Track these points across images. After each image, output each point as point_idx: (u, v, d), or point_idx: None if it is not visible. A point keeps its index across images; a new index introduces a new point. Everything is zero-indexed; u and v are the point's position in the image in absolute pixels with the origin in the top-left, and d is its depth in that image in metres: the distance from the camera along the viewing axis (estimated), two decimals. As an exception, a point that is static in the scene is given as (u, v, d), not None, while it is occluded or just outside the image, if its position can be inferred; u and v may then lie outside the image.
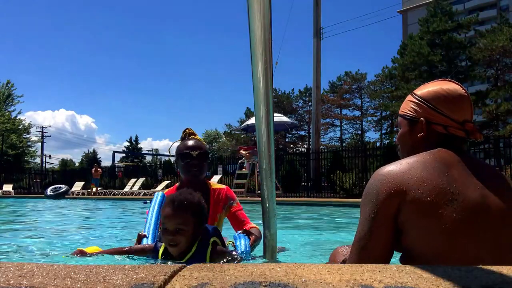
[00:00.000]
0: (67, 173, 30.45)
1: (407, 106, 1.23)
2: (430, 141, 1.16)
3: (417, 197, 1.00)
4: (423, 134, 1.17)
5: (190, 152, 2.46)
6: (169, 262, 1.78)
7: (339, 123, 42.45)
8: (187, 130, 2.64)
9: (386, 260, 1.05)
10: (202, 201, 1.88)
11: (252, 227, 2.48)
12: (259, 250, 2.20)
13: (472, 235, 0.98)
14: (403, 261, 1.06)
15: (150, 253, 1.93)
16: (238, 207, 2.64)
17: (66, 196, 17.90)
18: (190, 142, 2.52)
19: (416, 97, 1.21)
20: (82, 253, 2.02)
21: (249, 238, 2.25)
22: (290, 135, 41.93)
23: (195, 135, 2.63)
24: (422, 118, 1.16)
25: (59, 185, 19.03)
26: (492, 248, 0.99)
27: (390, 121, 36.21)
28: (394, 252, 1.09)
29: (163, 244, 1.84)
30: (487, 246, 0.99)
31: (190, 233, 1.77)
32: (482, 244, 0.99)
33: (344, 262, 1.27)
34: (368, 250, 1.04)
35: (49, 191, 17.94)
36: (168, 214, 1.77)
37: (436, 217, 0.98)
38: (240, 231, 2.36)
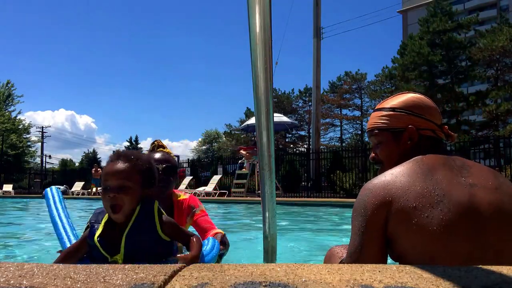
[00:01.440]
0: (67, 173, 30.47)
1: (383, 120, 1.24)
2: (420, 148, 1.18)
3: (403, 205, 1.02)
4: (413, 141, 1.19)
5: (157, 166, 2.30)
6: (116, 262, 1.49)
7: (339, 123, 42.47)
8: (155, 142, 2.48)
9: None
10: (153, 163, 1.65)
11: (216, 233, 2.31)
12: (259, 250, 2.20)
13: (462, 235, 0.98)
14: None
15: (85, 247, 1.55)
16: (201, 214, 2.42)
17: (65, 196, 17.86)
18: (157, 155, 2.33)
19: (393, 109, 1.23)
20: None
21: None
22: (290, 135, 41.94)
23: (164, 147, 2.47)
24: (410, 126, 1.19)
25: (57, 186, 18.97)
26: (484, 247, 0.99)
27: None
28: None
29: (101, 224, 1.52)
30: (479, 245, 0.99)
31: (136, 193, 1.50)
32: (474, 243, 0.98)
33: (341, 263, 1.27)
34: (360, 264, 1.05)
35: None
36: (110, 169, 1.50)
37: (423, 222, 0.99)
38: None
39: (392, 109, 1.23)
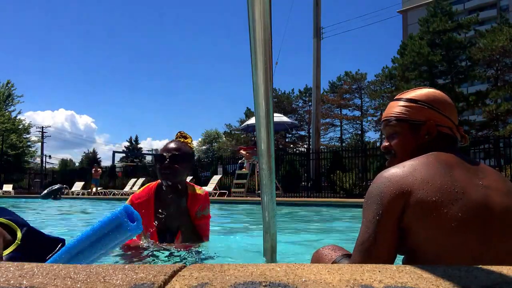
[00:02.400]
0: (67, 173, 30.47)
1: (400, 110, 1.22)
2: (437, 144, 1.17)
3: (422, 198, 1.01)
4: (430, 136, 1.17)
5: (163, 154, 2.36)
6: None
7: (339, 123, 42.48)
8: (178, 133, 2.55)
9: (390, 262, 1.05)
10: None
11: (188, 246, 2.36)
12: (259, 250, 2.20)
13: (475, 236, 0.99)
14: (407, 262, 1.07)
15: None
16: (203, 219, 2.48)
17: (62, 196, 17.73)
18: (171, 144, 2.41)
19: (414, 100, 1.21)
20: None
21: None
22: (290, 135, 41.94)
23: (186, 138, 2.54)
24: (431, 120, 1.17)
25: (53, 186, 18.68)
26: (494, 248, 1.00)
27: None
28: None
29: None
30: (490, 246, 1.00)
31: None
32: (485, 244, 0.99)
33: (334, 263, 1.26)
34: (372, 253, 1.04)
35: (45, 191, 17.70)
36: None
37: (442, 217, 0.99)
38: None
39: (414, 100, 1.21)
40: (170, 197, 2.40)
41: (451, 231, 0.98)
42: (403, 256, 1.11)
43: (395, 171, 1.07)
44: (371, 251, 1.04)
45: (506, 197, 1.05)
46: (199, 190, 2.52)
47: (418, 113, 1.19)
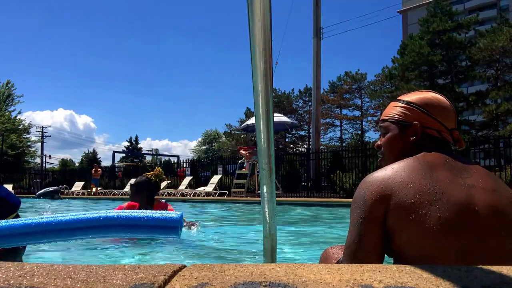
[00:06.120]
0: (67, 173, 30.47)
1: (395, 111, 1.25)
2: (422, 145, 1.18)
3: (402, 200, 1.02)
4: (416, 137, 1.19)
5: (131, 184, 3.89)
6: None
7: (339, 123, 42.48)
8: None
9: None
10: None
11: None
12: (259, 250, 2.20)
13: (458, 235, 0.99)
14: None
15: None
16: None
17: (62, 195, 17.66)
18: (133, 180, 4.03)
19: (407, 102, 1.23)
20: None
21: None
22: (290, 135, 41.97)
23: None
24: (416, 122, 1.19)
25: (49, 188, 18.46)
26: (479, 247, 0.99)
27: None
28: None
29: None
30: (474, 244, 0.99)
31: None
32: (469, 243, 0.99)
33: (338, 263, 1.27)
34: (358, 256, 1.06)
35: (40, 191, 17.53)
36: None
37: (421, 218, 1.00)
38: None
39: (407, 102, 1.23)
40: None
41: (432, 232, 0.98)
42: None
43: (377, 175, 1.10)
44: (356, 254, 1.07)
45: (492, 195, 1.04)
46: (160, 203, 3.81)
47: (408, 115, 1.21)
